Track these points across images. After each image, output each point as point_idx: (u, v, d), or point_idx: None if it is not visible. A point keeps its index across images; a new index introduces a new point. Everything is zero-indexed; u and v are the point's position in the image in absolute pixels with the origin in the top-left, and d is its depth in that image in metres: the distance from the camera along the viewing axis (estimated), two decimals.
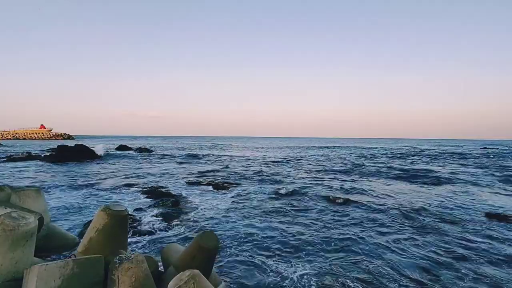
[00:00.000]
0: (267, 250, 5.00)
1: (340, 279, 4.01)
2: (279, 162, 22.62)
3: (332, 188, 11.01)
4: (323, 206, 8.17)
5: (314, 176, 14.54)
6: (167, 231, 5.87)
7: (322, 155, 31.66)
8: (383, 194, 10.03)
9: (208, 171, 16.06)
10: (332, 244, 5.32)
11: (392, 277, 4.12)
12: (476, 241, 5.59)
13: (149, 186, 10.84)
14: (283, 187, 11.04)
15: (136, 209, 7.53)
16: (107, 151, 27.43)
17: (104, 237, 1.94)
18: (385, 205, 8.30)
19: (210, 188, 10.73)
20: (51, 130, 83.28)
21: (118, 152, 31.43)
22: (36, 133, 79.59)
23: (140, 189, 10.29)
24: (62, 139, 74.86)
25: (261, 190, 10.50)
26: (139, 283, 1.65)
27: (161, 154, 29.10)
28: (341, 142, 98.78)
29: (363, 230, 6.12)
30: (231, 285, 3.80)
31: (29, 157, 21.90)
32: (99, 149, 25.11)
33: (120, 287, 1.62)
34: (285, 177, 13.81)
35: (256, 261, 4.53)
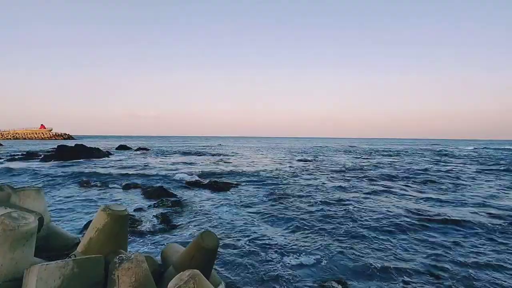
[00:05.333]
0: (268, 249, 5.00)
1: (338, 278, 4.02)
2: (281, 162, 22.63)
3: (334, 189, 11.02)
4: (326, 207, 8.16)
5: (317, 176, 14.54)
6: (167, 231, 5.87)
7: (325, 155, 31.68)
8: (388, 196, 10.04)
9: (209, 171, 16.06)
10: (334, 243, 5.32)
11: (391, 273, 4.12)
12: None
13: (149, 186, 10.84)
14: (284, 188, 11.04)
15: (136, 209, 7.53)
16: (107, 150, 27.39)
17: (104, 237, 1.93)
18: (391, 207, 8.31)
19: (211, 188, 10.73)
20: (51, 130, 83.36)
21: (118, 152, 31.46)
22: (36, 133, 79.65)
23: (140, 189, 10.30)
24: (62, 139, 74.94)
25: (263, 190, 10.50)
26: (139, 283, 1.64)
27: (162, 154, 29.12)
28: (342, 142, 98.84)
29: (362, 228, 6.12)
30: (231, 285, 3.80)
31: (29, 156, 21.93)
32: None
33: (120, 287, 1.62)
34: (287, 177, 13.81)
35: (257, 261, 4.53)
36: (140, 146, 39.70)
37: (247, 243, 5.28)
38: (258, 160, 23.82)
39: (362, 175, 14.90)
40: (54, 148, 23.03)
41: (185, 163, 21.16)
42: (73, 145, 22.36)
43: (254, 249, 4.99)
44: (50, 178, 12.65)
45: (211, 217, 6.97)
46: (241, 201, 8.66)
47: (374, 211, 7.73)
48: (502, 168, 18.75)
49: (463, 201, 9.00)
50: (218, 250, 2.13)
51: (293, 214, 7.28)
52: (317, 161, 23.97)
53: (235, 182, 12.00)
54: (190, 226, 6.23)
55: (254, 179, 13.26)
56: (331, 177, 14.22)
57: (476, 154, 35.23)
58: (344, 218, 7.05)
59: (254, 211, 7.57)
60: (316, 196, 9.53)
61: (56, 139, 75.72)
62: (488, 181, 13.42)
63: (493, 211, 7.78)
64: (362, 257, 4.76)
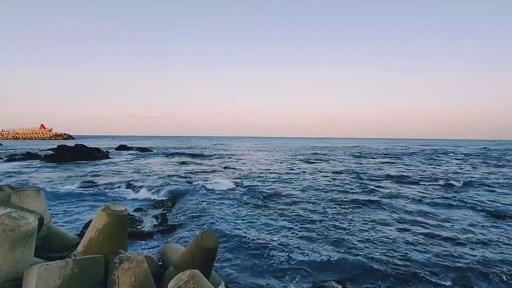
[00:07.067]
0: (268, 249, 4.99)
1: (338, 278, 4.02)
2: (282, 162, 22.62)
3: (335, 190, 11.01)
4: (326, 208, 8.16)
5: (318, 177, 14.54)
6: (167, 231, 5.87)
7: (326, 155, 31.67)
8: (388, 194, 10.03)
9: (208, 171, 16.06)
10: (334, 244, 5.32)
11: (391, 276, 4.12)
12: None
13: (149, 186, 10.84)
14: (285, 188, 11.04)
15: (136, 209, 7.53)
16: (107, 150, 27.42)
17: (104, 237, 1.93)
18: (390, 204, 8.31)
19: (211, 187, 10.72)
20: (51, 130, 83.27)
21: (118, 152, 31.46)
22: (36, 133, 79.58)
23: (140, 189, 10.29)
24: (62, 139, 74.87)
25: (263, 190, 10.48)
26: (139, 283, 1.64)
27: (161, 154, 29.11)
28: (343, 142, 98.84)
29: (363, 230, 6.12)
30: (232, 285, 3.80)
31: (29, 157, 21.91)
32: None
33: (120, 287, 1.62)
34: (288, 178, 13.81)
35: (257, 260, 4.52)
36: (140, 146, 39.71)
37: (247, 242, 5.27)
38: (259, 160, 23.82)
39: (365, 177, 14.90)
40: (54, 148, 23.02)
41: (184, 163, 21.16)
42: (73, 145, 22.34)
43: (254, 249, 4.98)
44: (50, 178, 12.64)
45: (211, 216, 6.97)
46: (241, 201, 8.66)
47: (377, 213, 7.73)
48: None
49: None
50: (218, 249, 2.13)
51: (294, 215, 7.28)
52: (318, 161, 23.97)
53: (235, 182, 12.00)
54: (190, 226, 6.23)
55: (255, 179, 13.25)
56: (332, 178, 14.23)
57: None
58: (345, 219, 7.05)
59: (254, 211, 7.57)
60: (317, 197, 9.52)
61: (56, 139, 75.64)
62: None
63: None
64: (362, 259, 4.76)
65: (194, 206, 7.96)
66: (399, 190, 10.85)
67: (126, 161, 21.77)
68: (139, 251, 4.00)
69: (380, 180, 13.34)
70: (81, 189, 10.28)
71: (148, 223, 6.23)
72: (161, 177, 13.35)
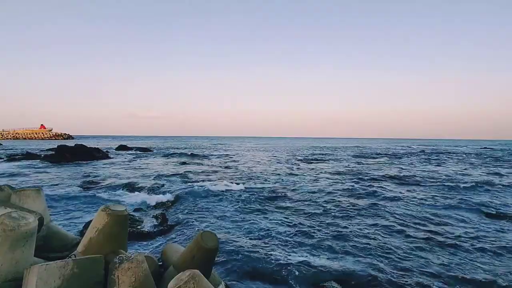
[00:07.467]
0: (268, 249, 4.99)
1: (338, 278, 4.01)
2: (282, 162, 22.62)
3: (336, 191, 11.01)
4: (327, 209, 8.16)
5: (318, 177, 14.54)
6: (167, 231, 5.87)
7: (327, 155, 31.67)
8: (389, 196, 10.02)
9: (208, 171, 16.05)
10: (334, 245, 5.32)
11: (390, 277, 4.12)
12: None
13: (149, 186, 10.84)
14: (285, 188, 11.04)
15: (136, 209, 7.54)
16: (107, 150, 27.43)
17: (104, 237, 1.93)
18: (390, 203, 8.30)
19: (210, 187, 10.72)
20: (51, 130, 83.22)
21: (118, 152, 31.45)
22: (36, 133, 79.54)
23: (140, 189, 10.29)
24: (62, 139, 74.83)
25: (263, 190, 10.49)
26: (139, 283, 1.64)
27: (161, 154, 29.11)
28: (343, 142, 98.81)
29: (363, 232, 6.12)
30: (232, 285, 3.80)
31: (29, 157, 21.91)
32: None
33: (120, 287, 1.62)
34: (288, 178, 13.80)
35: (257, 260, 4.52)
36: (140, 146, 39.70)
37: (247, 243, 5.28)
38: (259, 161, 23.82)
39: (366, 177, 14.89)
40: (54, 148, 23.01)
41: (184, 163, 21.16)
42: (73, 145, 22.34)
43: (254, 249, 4.98)
44: (50, 178, 12.64)
45: (211, 217, 6.97)
46: (241, 201, 8.66)
47: (378, 215, 7.73)
48: None
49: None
50: (218, 249, 2.13)
51: (294, 216, 7.28)
52: (318, 162, 23.97)
53: (236, 182, 11.99)
54: (190, 226, 6.22)
55: (255, 179, 13.25)
56: (332, 179, 14.23)
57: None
58: (346, 221, 7.05)
59: (254, 212, 7.57)
60: (317, 198, 9.52)
61: (56, 139, 75.56)
62: None
63: None
64: (363, 261, 4.76)
65: (194, 206, 7.96)
66: (400, 191, 10.84)
67: (126, 161, 21.76)
68: (139, 251, 4.00)
69: (381, 180, 13.32)
70: (81, 189, 10.28)
71: (148, 223, 6.23)
72: (161, 177, 13.35)
